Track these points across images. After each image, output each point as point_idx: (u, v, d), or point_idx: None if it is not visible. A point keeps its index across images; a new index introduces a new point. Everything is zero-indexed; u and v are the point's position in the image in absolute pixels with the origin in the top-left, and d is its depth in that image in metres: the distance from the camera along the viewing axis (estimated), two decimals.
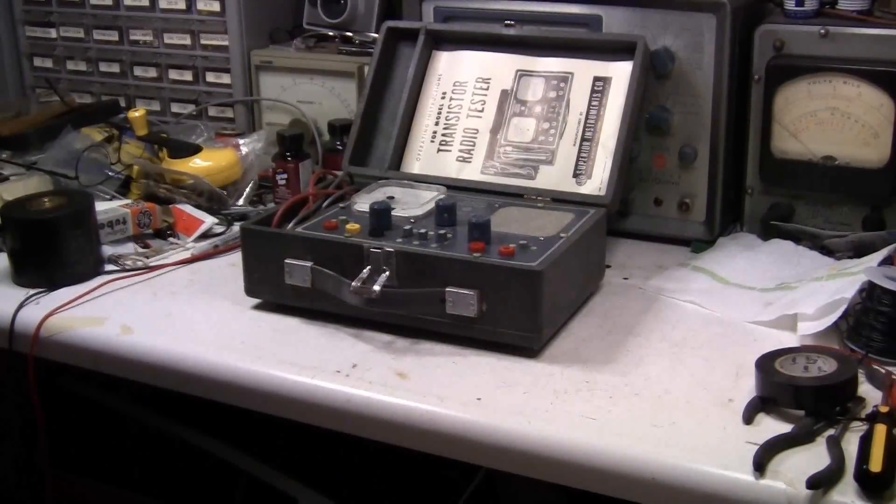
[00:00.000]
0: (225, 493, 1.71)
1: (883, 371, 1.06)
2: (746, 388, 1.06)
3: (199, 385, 1.17)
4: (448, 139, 1.46)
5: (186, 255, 1.46)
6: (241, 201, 1.63)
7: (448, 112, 1.47)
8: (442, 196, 1.34)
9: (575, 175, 1.38)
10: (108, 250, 1.42)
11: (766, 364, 1.05)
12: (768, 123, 1.41)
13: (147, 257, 1.44)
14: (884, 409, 0.96)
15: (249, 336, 1.21)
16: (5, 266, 1.37)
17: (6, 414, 1.57)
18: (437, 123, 1.47)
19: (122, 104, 1.90)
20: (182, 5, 1.82)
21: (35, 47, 2.00)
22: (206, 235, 1.51)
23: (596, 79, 1.41)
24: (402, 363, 1.14)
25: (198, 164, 1.62)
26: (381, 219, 1.25)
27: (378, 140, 1.49)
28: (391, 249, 1.18)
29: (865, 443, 0.92)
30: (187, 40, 1.84)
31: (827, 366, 1.03)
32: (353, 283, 1.17)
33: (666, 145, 1.46)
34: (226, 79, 1.82)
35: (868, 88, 1.34)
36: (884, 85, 1.33)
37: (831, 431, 0.98)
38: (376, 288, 1.16)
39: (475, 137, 1.45)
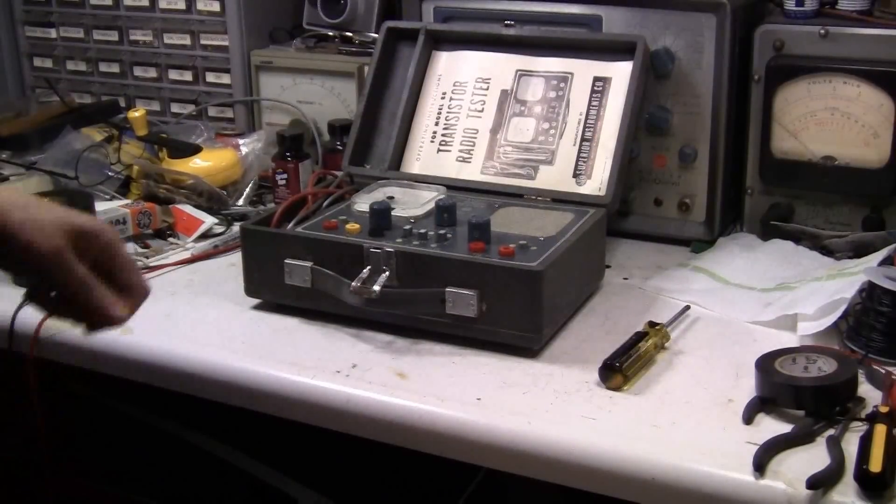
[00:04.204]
0: (225, 493, 1.71)
1: (883, 371, 1.06)
2: (746, 388, 1.06)
3: (199, 385, 1.17)
4: (448, 139, 1.46)
5: (186, 255, 1.45)
6: (241, 201, 1.63)
7: (448, 112, 1.47)
8: (442, 196, 1.33)
9: (575, 175, 1.38)
10: None
11: (766, 364, 1.05)
12: (768, 123, 1.41)
13: (147, 257, 1.44)
14: (884, 409, 0.96)
15: (249, 336, 1.21)
16: None
17: (6, 414, 1.57)
18: (436, 123, 1.47)
19: (122, 104, 1.90)
20: (182, 5, 1.82)
21: (35, 47, 2.00)
22: (206, 235, 1.51)
23: (596, 79, 1.41)
24: (401, 363, 1.14)
25: (198, 164, 1.62)
26: (380, 219, 1.25)
27: (378, 140, 1.49)
28: (391, 249, 1.18)
29: (865, 443, 0.92)
30: (187, 40, 1.84)
31: (827, 366, 1.03)
32: (353, 283, 1.17)
33: (666, 145, 1.46)
34: (226, 79, 1.82)
35: (868, 88, 1.34)
36: (884, 85, 1.33)
37: (831, 431, 0.97)
38: (376, 288, 1.16)
39: (475, 137, 1.45)
